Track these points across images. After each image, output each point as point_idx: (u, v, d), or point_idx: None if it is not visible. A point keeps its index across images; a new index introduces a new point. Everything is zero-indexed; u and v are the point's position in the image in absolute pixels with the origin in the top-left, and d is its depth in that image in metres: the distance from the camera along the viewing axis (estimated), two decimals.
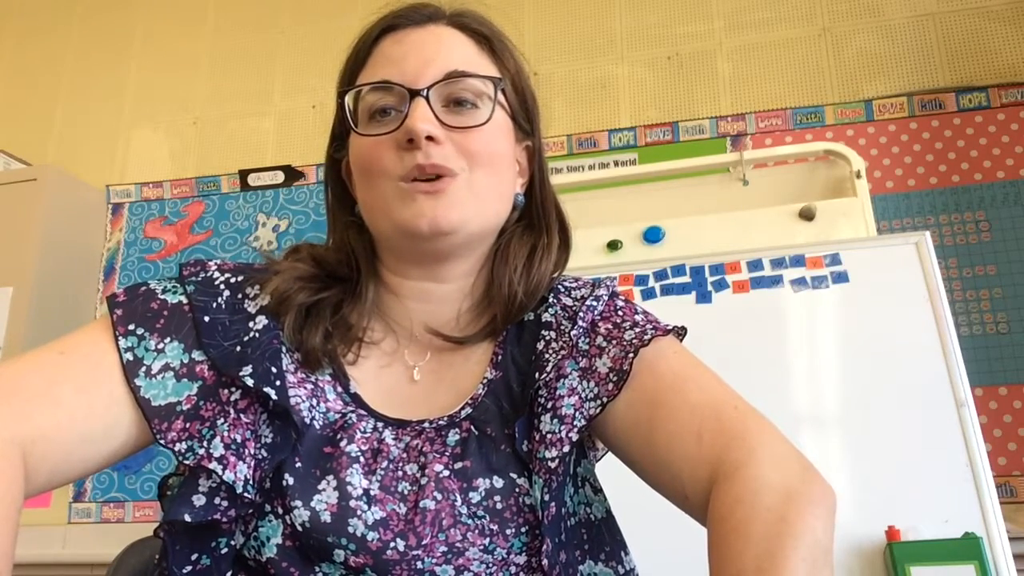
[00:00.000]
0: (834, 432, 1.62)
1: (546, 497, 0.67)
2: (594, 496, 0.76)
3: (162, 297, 0.73)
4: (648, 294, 1.79)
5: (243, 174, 2.87)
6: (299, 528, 0.64)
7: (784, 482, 0.63)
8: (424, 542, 0.64)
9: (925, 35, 2.42)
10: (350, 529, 0.64)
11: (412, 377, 0.77)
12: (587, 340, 0.76)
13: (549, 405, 0.72)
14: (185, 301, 0.73)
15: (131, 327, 0.70)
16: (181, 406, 0.68)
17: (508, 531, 0.67)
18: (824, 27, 2.50)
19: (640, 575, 0.75)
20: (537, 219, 0.83)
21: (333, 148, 0.82)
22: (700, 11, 2.63)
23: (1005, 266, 2.19)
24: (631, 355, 0.72)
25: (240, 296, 0.74)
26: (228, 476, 0.63)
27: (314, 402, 0.71)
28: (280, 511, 0.65)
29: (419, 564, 0.64)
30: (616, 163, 2.56)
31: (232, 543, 0.65)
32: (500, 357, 0.77)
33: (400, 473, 0.68)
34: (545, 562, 0.65)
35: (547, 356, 0.74)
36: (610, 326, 0.77)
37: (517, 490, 0.68)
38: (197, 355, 0.70)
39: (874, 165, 2.33)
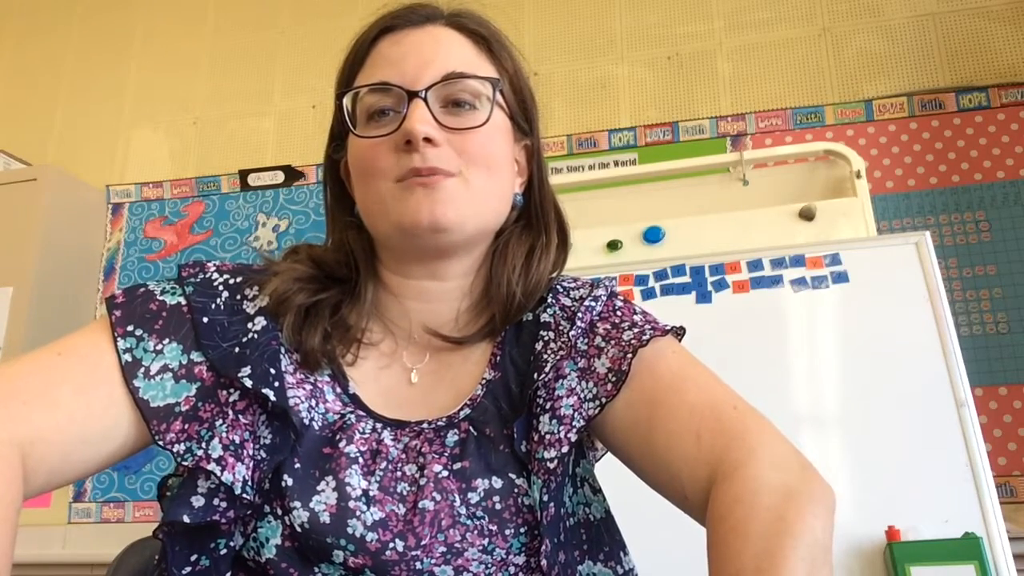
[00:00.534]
0: (834, 432, 1.62)
1: (545, 497, 0.67)
2: (593, 496, 0.76)
3: (161, 298, 0.73)
4: (648, 294, 1.79)
5: (243, 174, 2.87)
6: (298, 529, 0.64)
7: (783, 482, 0.63)
8: (423, 543, 0.64)
9: (925, 35, 2.42)
10: (349, 530, 0.64)
11: (411, 378, 0.77)
12: (586, 340, 0.76)
13: (548, 406, 0.72)
14: (184, 302, 0.73)
15: (130, 328, 0.70)
16: (180, 407, 0.68)
17: (507, 531, 0.67)
18: (824, 27, 2.50)
19: (639, 575, 0.75)
20: (536, 219, 0.83)
21: (332, 149, 0.82)
22: (700, 11, 2.63)
23: (1005, 266, 2.19)
24: (630, 355, 0.72)
25: (239, 297, 0.74)
26: (226, 477, 0.63)
27: (313, 403, 0.71)
28: (279, 512, 0.65)
29: (418, 564, 0.64)
30: (616, 163, 2.56)
31: (231, 544, 0.65)
32: (499, 358, 0.77)
33: (399, 474, 0.68)
34: (544, 562, 0.65)
35: (546, 356, 0.74)
36: (608, 326, 0.77)
37: (516, 490, 0.68)
38: (196, 356, 0.70)
39: (874, 165, 2.33)
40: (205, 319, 0.72)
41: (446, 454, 0.70)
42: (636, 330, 0.75)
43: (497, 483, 0.68)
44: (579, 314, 0.77)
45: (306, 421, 0.69)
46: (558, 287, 0.82)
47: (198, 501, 0.64)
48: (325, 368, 0.74)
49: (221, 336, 0.71)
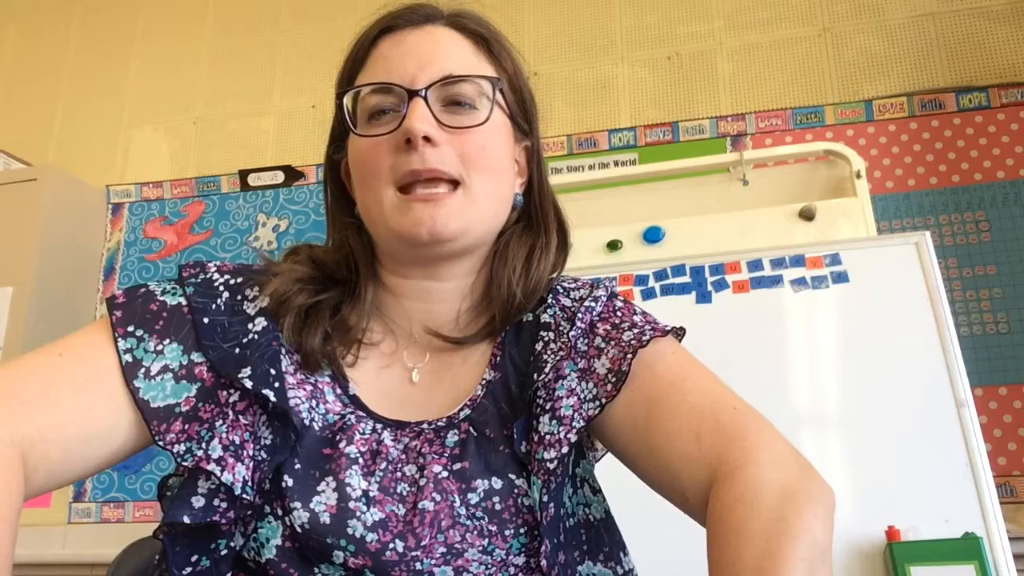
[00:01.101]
0: (834, 432, 1.62)
1: (545, 498, 0.67)
2: (593, 497, 0.76)
3: (161, 299, 0.73)
4: (648, 294, 1.79)
5: (243, 174, 2.87)
6: (298, 529, 0.64)
7: (783, 482, 0.63)
8: (423, 543, 0.64)
9: (925, 35, 2.42)
10: (349, 530, 0.64)
11: (411, 379, 0.77)
12: (585, 341, 0.77)
13: (548, 406, 0.72)
14: (184, 303, 0.73)
15: (130, 328, 0.70)
16: (180, 408, 0.68)
17: (507, 532, 0.67)
18: (824, 27, 2.50)
19: (639, 575, 0.75)
20: (536, 219, 0.83)
21: (332, 149, 0.82)
22: (700, 11, 2.63)
23: (1005, 266, 2.19)
24: (630, 356, 0.72)
25: (239, 298, 0.75)
26: (226, 477, 0.63)
27: (313, 403, 0.71)
28: (279, 512, 0.65)
29: (418, 565, 0.64)
30: (616, 163, 2.56)
31: (232, 544, 0.65)
32: (499, 358, 0.77)
33: (399, 474, 0.68)
34: (544, 563, 0.65)
35: (546, 357, 0.74)
36: (608, 327, 0.77)
37: (516, 491, 0.68)
38: (196, 357, 0.70)
39: (874, 165, 2.33)
40: (206, 320, 0.72)
41: (446, 454, 0.70)
42: (636, 331, 0.75)
43: (497, 484, 0.68)
44: (579, 315, 0.77)
45: (307, 422, 0.69)
46: (558, 288, 0.82)
47: (198, 501, 0.64)
48: (325, 369, 0.74)
49: (222, 337, 0.71)
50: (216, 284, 0.75)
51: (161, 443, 0.66)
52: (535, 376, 0.73)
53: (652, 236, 2.00)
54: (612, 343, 0.75)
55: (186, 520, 0.63)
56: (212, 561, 0.65)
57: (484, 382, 0.76)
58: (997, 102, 2.31)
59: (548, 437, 0.70)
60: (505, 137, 0.78)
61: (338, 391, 0.74)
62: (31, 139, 3.10)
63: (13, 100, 3.20)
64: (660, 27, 2.65)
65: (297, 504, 0.64)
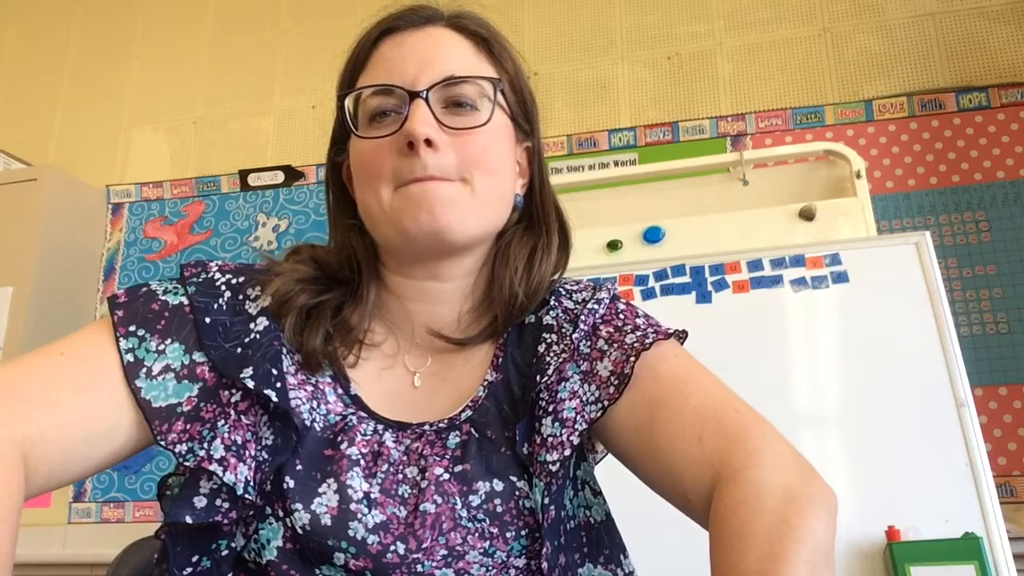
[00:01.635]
0: (834, 432, 1.62)
1: (546, 500, 0.67)
2: (594, 499, 0.76)
3: (163, 298, 0.73)
4: (648, 294, 1.79)
5: (243, 174, 2.87)
6: (299, 531, 0.64)
7: (785, 484, 0.63)
8: (424, 545, 0.64)
9: (925, 35, 2.42)
10: (350, 532, 0.64)
11: (412, 383, 0.77)
12: (588, 343, 0.77)
13: (550, 408, 0.72)
14: (186, 302, 0.73)
15: (132, 328, 0.70)
16: (182, 407, 0.68)
17: (508, 534, 0.67)
18: (824, 27, 2.50)
19: None
20: (537, 220, 0.83)
21: (333, 151, 0.82)
22: (700, 11, 2.63)
23: (1005, 266, 2.19)
24: (632, 359, 0.72)
25: (241, 297, 0.74)
26: (228, 478, 0.63)
27: (314, 404, 0.71)
28: (280, 513, 0.65)
29: (419, 568, 0.64)
30: (616, 163, 2.56)
31: (232, 545, 0.65)
32: (501, 359, 0.77)
33: (400, 476, 0.68)
34: (545, 565, 0.65)
35: (548, 359, 0.74)
36: (611, 329, 0.77)
37: (517, 493, 0.68)
38: (198, 356, 0.70)
39: (874, 165, 2.33)
40: (207, 319, 0.72)
41: (447, 456, 0.70)
42: (639, 333, 0.75)
43: (498, 486, 0.68)
44: (582, 317, 0.77)
45: (307, 422, 0.69)
46: (560, 290, 0.82)
47: (200, 502, 0.64)
48: (326, 369, 0.74)
49: (223, 336, 0.71)
50: (218, 284, 0.75)
51: (163, 443, 0.66)
52: (538, 378, 0.73)
53: (652, 236, 2.00)
54: (615, 345, 0.75)
55: (188, 520, 0.63)
56: (213, 561, 0.65)
57: (486, 383, 0.76)
58: (997, 102, 2.31)
59: (550, 439, 0.70)
60: (506, 138, 0.78)
61: (339, 391, 0.74)
62: (31, 139, 3.10)
63: (13, 100, 3.20)
64: (660, 27, 2.65)
65: (298, 505, 0.64)
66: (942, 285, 1.63)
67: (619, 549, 0.75)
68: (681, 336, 0.78)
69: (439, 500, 0.66)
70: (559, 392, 0.73)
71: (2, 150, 2.94)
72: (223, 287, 0.75)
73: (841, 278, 1.70)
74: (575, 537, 0.72)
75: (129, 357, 0.68)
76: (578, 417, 0.71)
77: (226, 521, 0.64)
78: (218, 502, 0.64)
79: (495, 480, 0.68)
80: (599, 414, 0.71)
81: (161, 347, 0.70)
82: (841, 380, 1.64)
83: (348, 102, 0.77)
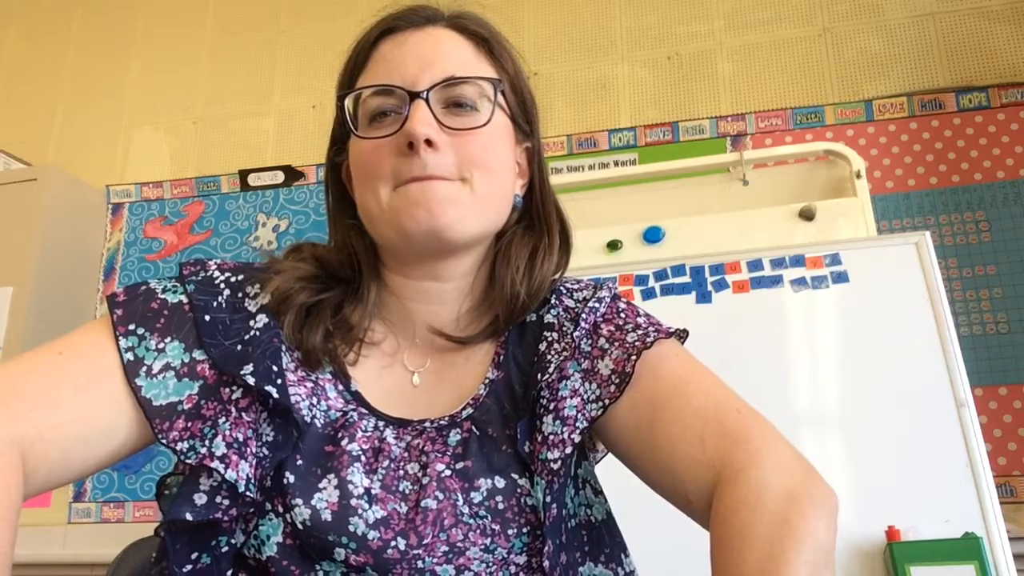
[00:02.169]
0: (834, 432, 1.62)
1: (548, 499, 0.67)
2: (595, 498, 0.76)
3: (162, 296, 0.73)
4: (648, 294, 1.80)
5: (243, 174, 2.87)
6: (300, 526, 0.64)
7: (786, 485, 0.63)
8: (425, 541, 0.65)
9: (925, 35, 2.42)
10: (351, 528, 0.64)
11: (412, 381, 0.77)
12: (589, 342, 0.77)
13: (551, 406, 0.72)
14: (185, 300, 0.73)
15: (131, 327, 0.70)
16: (182, 405, 0.68)
17: (510, 531, 0.67)
18: (824, 27, 2.50)
19: None
20: (538, 220, 0.83)
21: (333, 151, 0.82)
22: (700, 11, 2.63)
23: (1005, 266, 2.19)
24: (633, 357, 0.72)
25: (240, 295, 0.74)
26: (230, 475, 0.63)
27: (314, 400, 0.71)
28: (280, 510, 0.65)
29: (420, 563, 0.64)
30: (616, 163, 2.56)
31: (232, 542, 0.65)
32: (502, 357, 0.77)
33: (401, 472, 0.68)
34: (546, 563, 0.66)
35: (549, 357, 0.74)
36: (612, 328, 0.77)
37: (519, 490, 0.68)
38: (198, 354, 0.70)
39: (874, 165, 2.33)
40: (207, 317, 0.72)
41: (448, 453, 0.70)
42: (640, 332, 0.75)
43: (500, 483, 0.68)
44: (583, 315, 0.77)
45: (307, 419, 0.69)
46: (561, 288, 0.82)
47: (201, 499, 0.64)
48: (326, 366, 0.74)
49: (223, 334, 0.71)
50: (217, 282, 0.75)
51: (164, 441, 0.66)
52: (539, 376, 0.73)
53: (652, 236, 2.00)
54: (616, 344, 0.75)
55: (189, 517, 0.63)
56: (213, 558, 0.65)
57: (487, 381, 0.76)
58: (997, 102, 2.31)
59: (552, 437, 0.70)
60: (506, 138, 0.78)
61: (340, 387, 0.74)
62: (31, 139, 3.10)
63: (13, 100, 3.20)
64: (660, 27, 2.65)
65: (299, 501, 0.64)
66: (942, 285, 1.63)
67: (620, 548, 0.75)
68: (682, 335, 0.78)
69: (441, 496, 0.66)
70: (560, 390, 0.73)
71: (2, 150, 2.94)
72: (222, 285, 0.75)
73: (841, 278, 1.70)
74: (576, 536, 0.72)
75: (129, 356, 0.68)
76: (579, 415, 0.71)
77: (226, 518, 0.64)
78: (218, 499, 0.64)
79: (496, 477, 0.68)
80: (600, 412, 0.71)
81: (161, 345, 0.70)
82: (841, 380, 1.64)
83: (348, 102, 0.77)
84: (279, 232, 2.78)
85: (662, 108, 2.58)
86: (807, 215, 1.92)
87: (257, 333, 0.71)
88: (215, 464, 0.63)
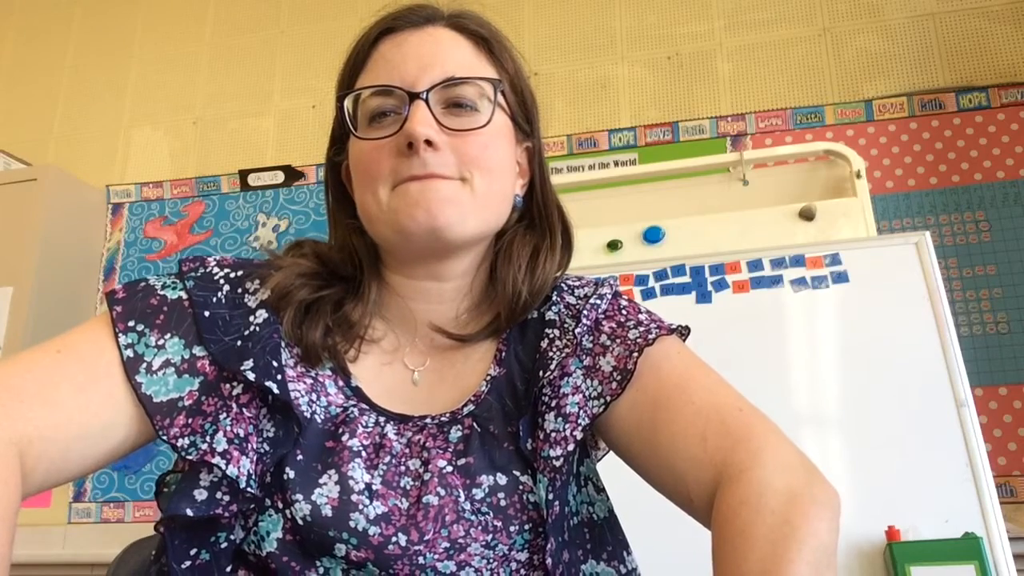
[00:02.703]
0: (834, 432, 1.62)
1: (550, 496, 0.67)
2: (597, 496, 0.76)
3: (162, 293, 0.73)
4: (648, 294, 1.79)
5: (243, 174, 2.87)
6: (300, 522, 0.64)
7: (789, 485, 0.63)
8: (426, 538, 0.64)
9: (925, 35, 2.42)
10: (351, 523, 0.64)
11: (411, 379, 0.77)
12: (591, 338, 0.77)
13: (553, 403, 0.72)
14: (185, 297, 0.73)
15: (131, 324, 0.70)
16: (183, 402, 0.68)
17: (512, 528, 0.67)
18: (824, 27, 2.50)
19: (642, 575, 0.75)
20: (539, 220, 0.82)
21: (333, 152, 0.82)
22: (700, 11, 2.63)
23: (1005, 266, 2.19)
24: (635, 354, 0.72)
25: (240, 291, 0.74)
26: (231, 471, 0.63)
27: (314, 396, 0.71)
28: (280, 505, 0.65)
29: (421, 559, 0.64)
30: (616, 163, 2.56)
31: (232, 538, 0.65)
32: (504, 354, 0.77)
33: (403, 468, 0.68)
34: (549, 561, 0.66)
35: (551, 354, 0.74)
36: (614, 325, 0.77)
37: (521, 487, 0.68)
38: (198, 350, 0.70)
39: (874, 165, 2.33)
40: (206, 313, 0.72)
41: (450, 450, 0.70)
42: (642, 329, 0.75)
43: (502, 480, 0.68)
44: (584, 312, 0.77)
45: (307, 415, 0.69)
46: (562, 285, 0.82)
47: (201, 495, 0.64)
48: (326, 362, 0.74)
49: (223, 330, 0.71)
50: (216, 278, 0.75)
51: (165, 437, 0.66)
52: (541, 373, 0.73)
53: (652, 236, 2.00)
54: (618, 341, 0.75)
55: (189, 513, 0.63)
56: (212, 555, 0.65)
57: (489, 378, 0.76)
58: (997, 102, 2.31)
59: (554, 435, 0.70)
60: (507, 138, 0.78)
61: (340, 383, 0.74)
62: (31, 139, 3.10)
63: (13, 100, 3.20)
64: (660, 27, 2.65)
65: (299, 496, 0.64)
66: (942, 285, 1.63)
67: (622, 546, 0.75)
68: (684, 332, 0.78)
69: (442, 492, 0.66)
70: (562, 387, 0.73)
71: (2, 150, 2.94)
72: (222, 281, 0.75)
73: (841, 278, 1.70)
74: (578, 533, 0.72)
75: (129, 353, 0.68)
76: (581, 412, 0.71)
77: (226, 514, 0.64)
78: (219, 495, 0.64)
79: (498, 474, 0.68)
80: (601, 409, 0.71)
81: (161, 342, 0.70)
82: (841, 380, 1.64)
83: (347, 102, 0.76)
84: (279, 232, 2.78)
85: (662, 108, 2.58)
86: (807, 215, 1.92)
87: (257, 329, 0.71)
88: (216, 460, 0.63)
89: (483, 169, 0.74)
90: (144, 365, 0.68)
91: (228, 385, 0.68)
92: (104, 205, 2.99)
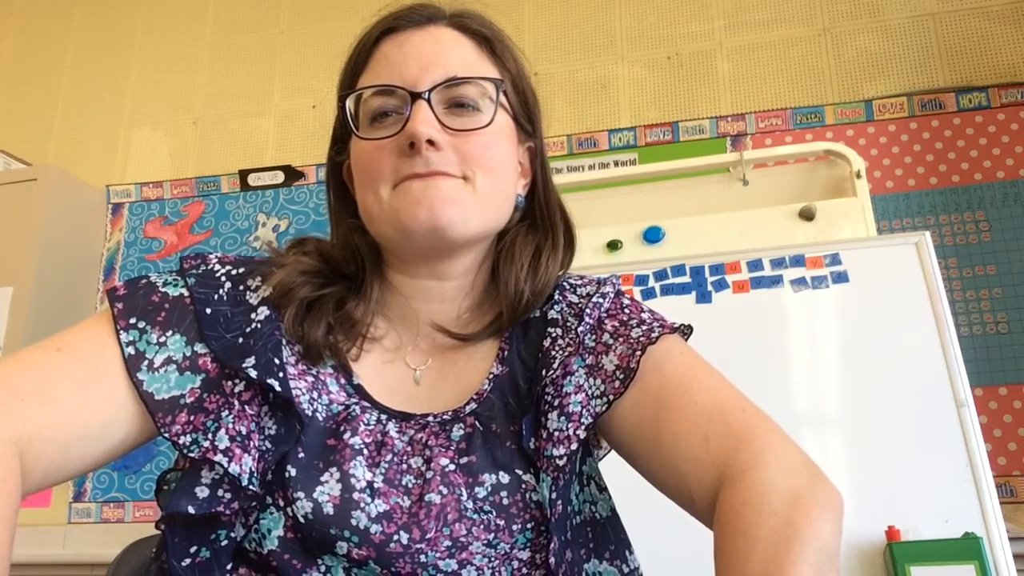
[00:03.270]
0: (834, 432, 1.62)
1: (554, 495, 0.67)
2: (599, 495, 0.76)
3: (163, 290, 0.73)
4: (648, 294, 1.79)
5: (243, 174, 2.87)
6: (301, 520, 0.64)
7: (791, 486, 0.63)
8: (428, 536, 0.64)
9: (925, 35, 2.42)
10: (353, 521, 0.64)
11: (413, 378, 0.77)
12: (593, 337, 0.76)
13: (556, 403, 0.72)
14: (186, 294, 0.73)
15: (133, 321, 0.70)
16: (185, 399, 0.68)
17: (514, 527, 0.67)
18: (824, 27, 2.51)
19: (644, 574, 0.75)
20: (541, 219, 0.82)
21: (334, 151, 0.82)
22: (700, 11, 2.63)
23: (1005, 266, 2.19)
24: (638, 353, 0.72)
25: (242, 288, 0.74)
26: (234, 469, 0.63)
27: (315, 394, 0.71)
28: (282, 503, 0.65)
29: (422, 557, 0.64)
30: (616, 163, 2.56)
31: (232, 535, 0.65)
32: (506, 353, 0.77)
33: (404, 466, 0.68)
34: (552, 560, 0.65)
35: (554, 353, 0.74)
36: (617, 323, 0.77)
37: (523, 486, 0.68)
38: (199, 348, 0.70)
39: (874, 165, 2.33)
40: (208, 310, 0.71)
41: (452, 448, 0.69)
42: (644, 328, 0.75)
43: (504, 478, 0.68)
44: (587, 311, 0.77)
45: (308, 412, 0.69)
46: (565, 284, 0.82)
47: (202, 492, 0.64)
48: (328, 360, 0.74)
49: (224, 327, 0.71)
50: (218, 275, 0.75)
51: (167, 435, 0.66)
52: (543, 372, 0.73)
53: (652, 236, 2.00)
54: (620, 339, 0.75)
55: (190, 510, 0.63)
56: (212, 552, 0.64)
57: (491, 376, 0.76)
58: (997, 102, 2.31)
59: (557, 434, 0.70)
60: (509, 138, 0.78)
61: (342, 381, 0.73)
62: (31, 139, 3.10)
63: (13, 100, 3.20)
64: (660, 27, 2.65)
65: (300, 494, 0.64)
66: (942, 285, 1.63)
67: (624, 545, 0.74)
68: (686, 332, 0.78)
69: (445, 491, 0.66)
70: (564, 386, 0.73)
71: (2, 150, 2.94)
72: (223, 278, 0.75)
73: (841, 278, 1.70)
74: (581, 533, 0.72)
75: (130, 350, 0.68)
76: (583, 411, 0.71)
77: (227, 512, 0.64)
78: (220, 492, 0.64)
79: (501, 473, 0.68)
80: (604, 408, 0.71)
81: (162, 339, 0.70)
82: (841, 380, 1.64)
83: (349, 102, 0.76)
84: (279, 232, 2.78)
85: (662, 108, 2.58)
86: (807, 215, 1.92)
87: (258, 326, 0.71)
88: (218, 458, 0.63)
89: (485, 169, 0.74)
90: (146, 362, 0.68)
91: (230, 382, 0.68)
92: (104, 205, 2.99)
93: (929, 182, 2.30)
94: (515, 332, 0.79)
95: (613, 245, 2.01)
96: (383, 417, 0.72)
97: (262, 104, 2.95)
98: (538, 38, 2.73)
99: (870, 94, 2.42)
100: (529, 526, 0.67)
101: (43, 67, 3.22)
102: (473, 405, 0.73)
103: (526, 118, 0.81)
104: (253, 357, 0.68)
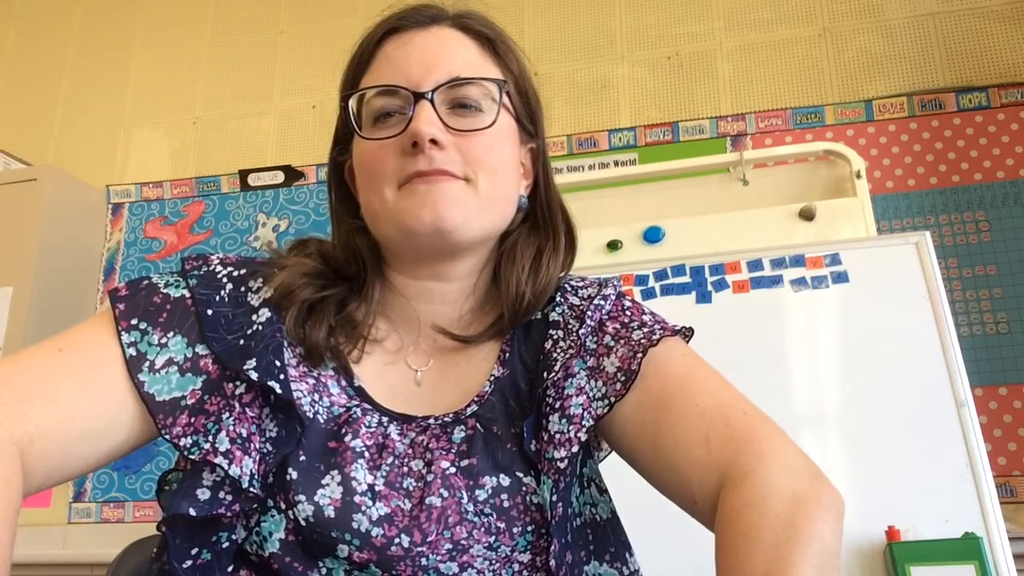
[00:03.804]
0: (834, 432, 1.62)
1: (554, 497, 0.67)
2: (599, 497, 0.76)
3: (164, 291, 0.73)
4: (648, 294, 1.80)
5: (243, 174, 2.87)
6: (302, 523, 0.63)
7: (793, 488, 0.63)
8: (429, 539, 0.64)
9: (925, 35, 2.42)
10: (354, 524, 0.63)
11: (415, 379, 0.77)
12: (595, 339, 0.76)
13: (557, 405, 0.72)
14: (188, 295, 0.72)
15: (134, 322, 0.70)
16: (185, 401, 0.67)
17: (515, 529, 0.67)
18: (824, 27, 2.51)
19: None
20: (543, 221, 0.82)
21: (336, 151, 0.82)
22: (700, 11, 2.63)
23: (1005, 266, 2.19)
24: (640, 355, 0.72)
25: (243, 289, 0.74)
26: (234, 471, 0.63)
27: (316, 397, 0.71)
28: (283, 506, 0.65)
29: (423, 560, 0.64)
30: (616, 163, 2.56)
31: (233, 537, 0.65)
32: (508, 355, 0.77)
33: (405, 469, 0.68)
34: (552, 563, 0.65)
35: (555, 355, 0.74)
36: (618, 325, 0.77)
37: (524, 489, 0.68)
38: (201, 349, 0.70)
39: (874, 165, 2.33)
40: (209, 311, 0.71)
41: (453, 450, 0.69)
42: (646, 330, 0.75)
43: (505, 481, 0.68)
44: (588, 313, 0.77)
45: (309, 414, 0.69)
46: (566, 286, 0.82)
47: (204, 494, 0.64)
48: (329, 362, 0.74)
49: (226, 328, 0.71)
50: (219, 276, 0.75)
51: (167, 436, 0.66)
52: (544, 374, 0.73)
53: (652, 236, 2.00)
54: (621, 342, 0.75)
55: (192, 512, 0.63)
56: (213, 554, 0.64)
57: (492, 378, 0.76)
58: (997, 102, 2.31)
59: (558, 436, 0.70)
60: (511, 139, 0.78)
61: (343, 383, 0.73)
62: (31, 139, 3.10)
63: (13, 100, 3.20)
64: (660, 27, 2.65)
65: (301, 497, 0.64)
66: (942, 285, 1.63)
67: (624, 547, 0.74)
68: (687, 334, 0.78)
69: (445, 494, 0.66)
70: (566, 388, 0.73)
71: (2, 150, 2.93)
72: (225, 279, 0.75)
73: (841, 278, 1.70)
74: (581, 535, 0.72)
75: (131, 351, 0.68)
76: (585, 413, 0.71)
77: (228, 514, 0.64)
78: (221, 494, 0.64)
79: (501, 475, 0.68)
80: (606, 410, 0.71)
81: (163, 340, 0.69)
82: (841, 380, 1.64)
83: (352, 102, 0.76)
84: (279, 232, 2.78)
85: (662, 108, 2.58)
86: (807, 215, 1.92)
87: (259, 328, 0.71)
88: (219, 460, 0.63)
89: (488, 170, 0.74)
90: (147, 364, 0.68)
91: (231, 384, 0.68)
92: (104, 205, 2.98)
93: (929, 182, 2.30)
94: (516, 334, 0.78)
95: (613, 245, 2.01)
96: (384, 419, 0.72)
97: (262, 104, 2.95)
98: (538, 38, 2.73)
99: (870, 94, 2.42)
100: (530, 528, 0.67)
101: (43, 67, 3.22)
102: (474, 407, 0.73)
103: (528, 119, 0.81)
104: (254, 359, 0.68)
